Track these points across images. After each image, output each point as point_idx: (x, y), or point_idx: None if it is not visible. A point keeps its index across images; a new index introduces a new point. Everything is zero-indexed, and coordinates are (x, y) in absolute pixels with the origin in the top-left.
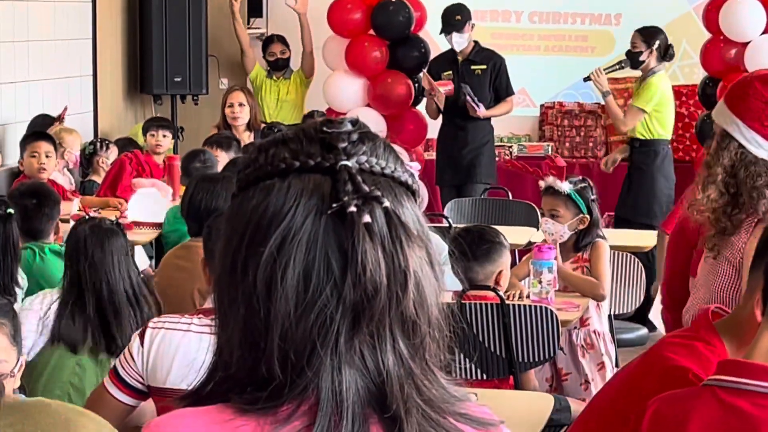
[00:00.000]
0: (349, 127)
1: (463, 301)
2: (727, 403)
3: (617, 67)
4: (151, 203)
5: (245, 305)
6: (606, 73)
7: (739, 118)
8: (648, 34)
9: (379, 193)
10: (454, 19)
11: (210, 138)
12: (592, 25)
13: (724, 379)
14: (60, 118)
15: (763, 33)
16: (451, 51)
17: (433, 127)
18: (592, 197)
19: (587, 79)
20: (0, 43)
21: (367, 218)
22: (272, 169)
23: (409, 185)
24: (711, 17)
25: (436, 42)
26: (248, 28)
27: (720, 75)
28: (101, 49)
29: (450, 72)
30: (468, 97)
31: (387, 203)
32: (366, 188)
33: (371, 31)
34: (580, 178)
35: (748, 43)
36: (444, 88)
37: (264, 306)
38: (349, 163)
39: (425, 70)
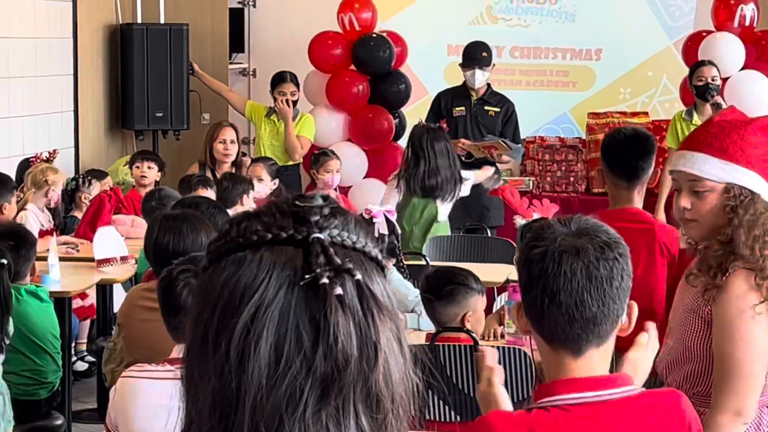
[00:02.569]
0: (320, 201)
1: (436, 343)
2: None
3: (716, 108)
4: (112, 239)
5: (217, 377)
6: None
7: (749, 168)
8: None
9: (351, 266)
10: (480, 55)
11: (189, 178)
12: (573, 60)
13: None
14: (49, 159)
15: (742, 68)
16: (463, 87)
17: None
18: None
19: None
20: None
21: (339, 290)
22: (244, 242)
23: (378, 261)
24: (690, 53)
25: (417, 77)
26: (230, 63)
27: None
28: (82, 85)
29: (462, 108)
30: (503, 145)
31: (359, 275)
32: (338, 260)
33: (352, 67)
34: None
35: (727, 78)
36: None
37: (236, 377)
38: (321, 236)
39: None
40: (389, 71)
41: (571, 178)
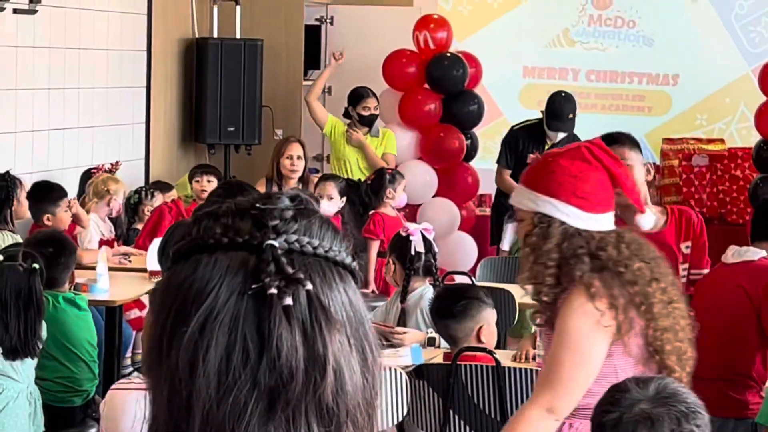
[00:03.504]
0: (286, 203)
1: (458, 363)
2: None
3: None
4: None
5: (169, 385)
6: None
7: (554, 197)
8: None
9: (301, 276)
10: (567, 117)
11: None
12: (650, 85)
13: None
14: (111, 170)
15: None
16: (540, 127)
17: (486, 183)
18: None
19: None
20: (50, 89)
21: (287, 301)
22: (202, 244)
23: (345, 265)
24: (767, 80)
25: (492, 97)
26: (305, 80)
27: None
28: (155, 98)
29: (537, 156)
30: None
31: (309, 286)
32: (289, 270)
33: (426, 85)
34: None
35: None
36: None
37: (186, 387)
38: (275, 243)
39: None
40: (462, 91)
41: None
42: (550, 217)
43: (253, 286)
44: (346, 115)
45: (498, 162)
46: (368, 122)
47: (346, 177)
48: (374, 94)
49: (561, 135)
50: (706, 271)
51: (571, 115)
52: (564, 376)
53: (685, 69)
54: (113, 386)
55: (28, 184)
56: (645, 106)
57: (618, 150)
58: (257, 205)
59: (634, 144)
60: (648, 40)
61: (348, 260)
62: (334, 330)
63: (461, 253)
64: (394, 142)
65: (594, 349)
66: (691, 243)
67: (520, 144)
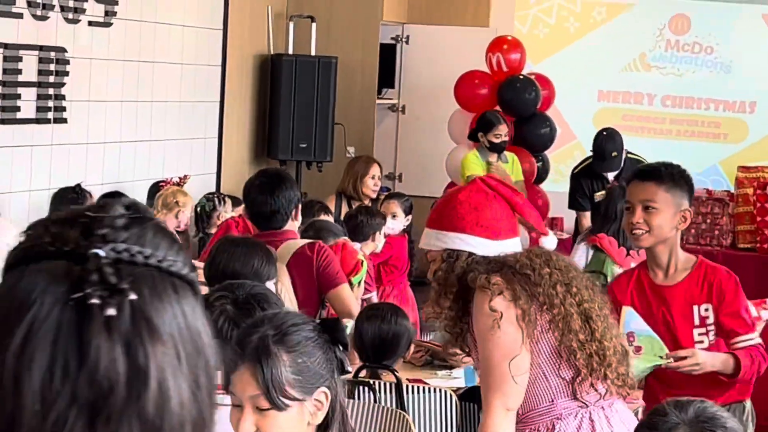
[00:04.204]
0: (119, 211)
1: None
2: None
3: None
4: None
5: None
6: None
7: (459, 232)
8: None
9: (125, 286)
10: (610, 156)
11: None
12: (726, 111)
13: None
14: (180, 184)
15: None
16: (596, 167)
17: (556, 206)
18: None
19: None
20: (123, 102)
21: (110, 311)
22: (30, 253)
23: (181, 276)
24: None
25: (566, 121)
26: (379, 98)
27: None
28: (228, 112)
29: (603, 192)
30: None
31: (133, 296)
32: (113, 279)
33: (497, 107)
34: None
35: None
36: None
37: (11, 402)
38: (101, 252)
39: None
40: (534, 113)
41: (716, 232)
42: (459, 251)
43: (74, 296)
44: (472, 137)
45: (572, 208)
46: (499, 149)
47: None
48: (505, 121)
49: (611, 175)
50: (754, 335)
51: (614, 154)
52: (500, 372)
53: (762, 96)
54: None
55: (97, 196)
56: (721, 133)
57: (648, 188)
58: (88, 213)
59: (676, 183)
60: (725, 66)
61: (185, 271)
62: (158, 342)
63: None
64: (520, 167)
65: (510, 338)
66: (713, 306)
67: (584, 186)
